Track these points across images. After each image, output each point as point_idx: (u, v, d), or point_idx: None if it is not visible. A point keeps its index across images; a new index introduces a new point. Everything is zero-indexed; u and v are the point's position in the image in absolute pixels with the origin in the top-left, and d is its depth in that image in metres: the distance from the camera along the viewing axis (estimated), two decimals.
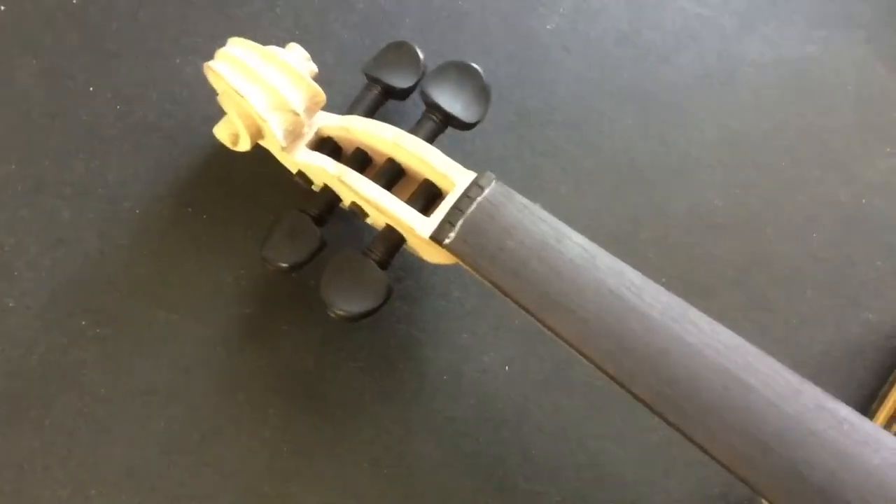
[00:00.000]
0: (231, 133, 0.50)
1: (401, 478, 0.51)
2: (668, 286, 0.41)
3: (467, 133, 0.52)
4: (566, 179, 0.58)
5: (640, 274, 0.42)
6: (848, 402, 0.38)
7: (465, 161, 0.47)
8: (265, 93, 0.47)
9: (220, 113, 0.51)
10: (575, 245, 0.42)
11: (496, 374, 0.54)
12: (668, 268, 0.55)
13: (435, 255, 0.47)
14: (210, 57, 0.49)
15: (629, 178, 0.58)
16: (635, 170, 0.58)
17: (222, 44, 0.49)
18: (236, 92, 0.47)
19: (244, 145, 0.51)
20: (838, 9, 0.62)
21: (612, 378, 0.40)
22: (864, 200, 0.57)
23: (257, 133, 0.50)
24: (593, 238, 0.43)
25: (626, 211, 0.57)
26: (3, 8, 0.59)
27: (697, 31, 0.61)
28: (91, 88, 0.58)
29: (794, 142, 0.59)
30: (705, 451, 0.38)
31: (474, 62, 0.51)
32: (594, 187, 0.57)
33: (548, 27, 0.61)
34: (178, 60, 0.59)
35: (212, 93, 0.51)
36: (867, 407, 0.53)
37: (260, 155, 0.53)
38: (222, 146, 0.52)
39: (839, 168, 0.58)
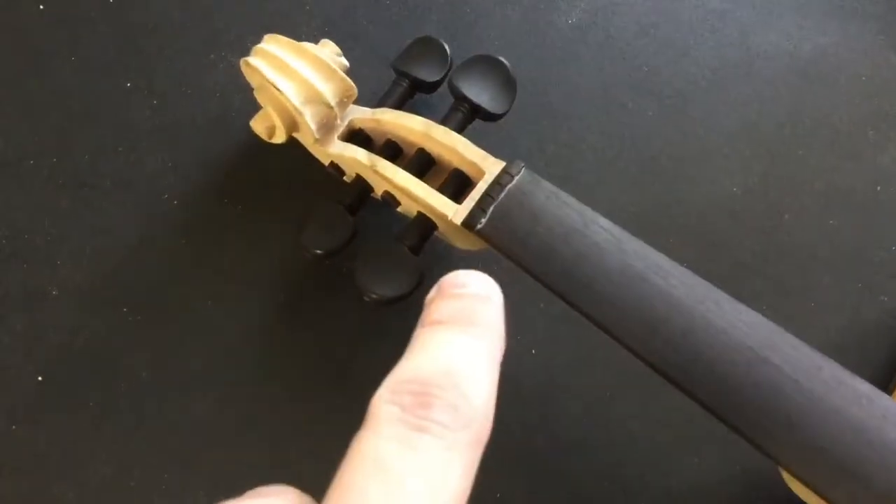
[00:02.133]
0: (267, 126, 0.52)
1: None
2: (689, 270, 0.43)
3: (492, 126, 0.54)
4: (588, 169, 0.59)
5: (664, 257, 0.43)
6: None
7: (490, 152, 0.48)
8: (300, 87, 0.49)
9: (252, 107, 0.52)
10: (601, 229, 0.44)
11: (523, 356, 0.55)
12: (687, 254, 0.56)
13: (465, 241, 0.49)
14: (243, 53, 0.50)
15: (649, 167, 0.59)
16: (655, 159, 0.59)
17: (254, 40, 0.51)
18: (273, 86, 0.48)
19: (280, 137, 0.52)
20: (852, 2, 0.63)
21: (638, 357, 0.41)
22: (878, 188, 0.58)
23: (292, 125, 0.52)
24: (615, 224, 0.44)
25: (646, 199, 0.58)
26: (41, 7, 0.61)
27: (715, 24, 0.62)
28: (128, 84, 0.59)
29: (810, 131, 0.60)
30: (729, 425, 0.39)
31: (498, 56, 0.53)
32: (615, 176, 0.59)
33: (569, 21, 0.62)
34: (211, 56, 0.60)
35: (244, 87, 0.52)
36: (885, 388, 0.54)
37: (292, 147, 0.55)
38: (255, 139, 0.53)
39: (854, 156, 0.59)
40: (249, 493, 0.24)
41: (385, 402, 0.24)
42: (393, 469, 0.22)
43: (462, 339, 0.26)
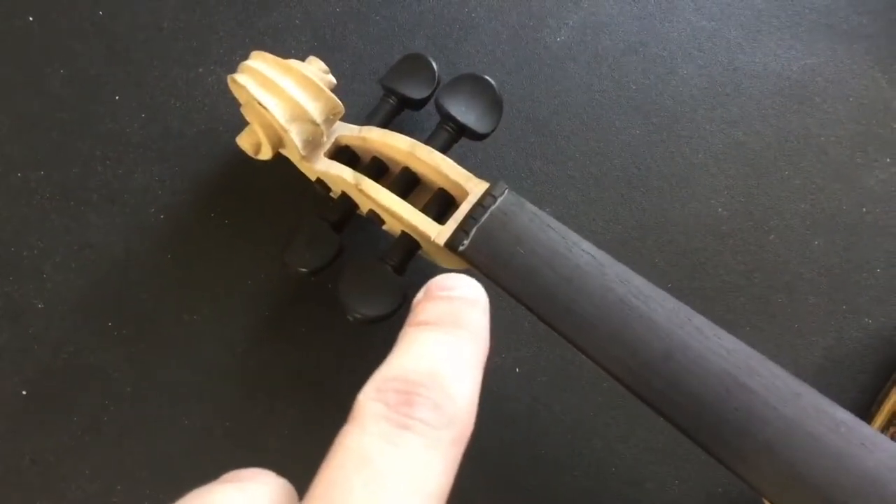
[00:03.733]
0: (253, 142, 0.52)
1: None
2: (673, 291, 0.42)
3: (479, 143, 0.54)
4: (574, 187, 0.59)
5: (646, 281, 0.43)
6: (848, 406, 0.39)
7: (477, 169, 0.48)
8: (286, 104, 0.49)
9: (241, 121, 0.52)
10: (584, 253, 0.44)
11: (507, 375, 0.55)
12: (673, 273, 0.57)
13: (449, 261, 0.49)
14: (231, 66, 0.51)
15: (636, 186, 0.59)
16: (642, 178, 0.59)
17: (244, 55, 0.51)
18: (259, 103, 0.48)
19: (265, 154, 0.53)
20: (841, 21, 0.63)
21: (618, 380, 0.41)
22: (864, 209, 0.59)
23: (278, 142, 0.52)
24: (601, 244, 0.44)
25: (632, 218, 0.58)
26: (31, 18, 0.61)
27: (703, 43, 0.62)
28: (117, 97, 0.59)
29: (797, 151, 0.60)
30: (708, 451, 0.39)
31: (486, 73, 0.53)
32: (602, 195, 0.59)
33: (557, 39, 0.62)
34: (200, 70, 0.60)
35: (233, 101, 0.52)
36: (867, 410, 0.54)
37: (280, 163, 0.55)
38: (244, 154, 0.53)
39: (840, 177, 0.59)
40: (226, 476, 0.25)
41: (370, 399, 0.24)
42: (376, 464, 0.22)
43: (448, 340, 0.27)
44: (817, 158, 0.60)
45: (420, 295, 0.30)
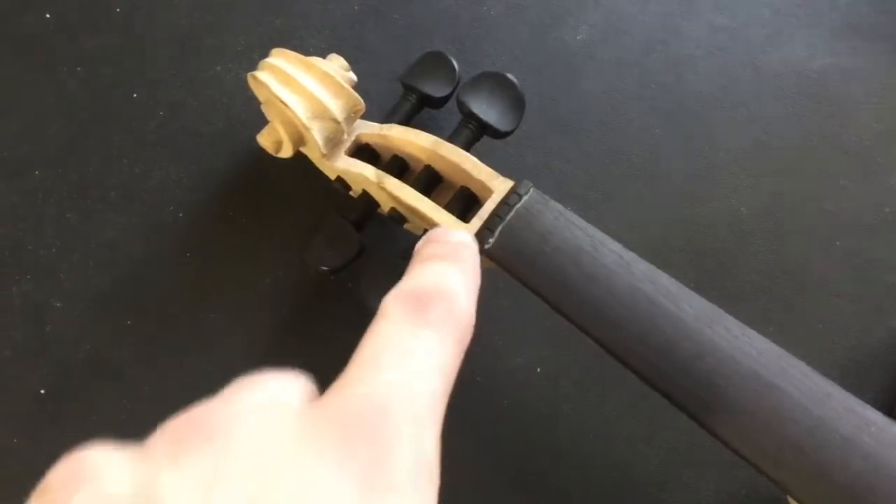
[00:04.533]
0: (274, 140, 0.51)
1: None
2: (695, 291, 0.42)
3: (498, 141, 0.53)
4: (595, 186, 0.59)
5: (674, 280, 0.43)
6: (871, 405, 0.39)
7: (497, 169, 0.48)
8: (307, 102, 0.48)
9: (259, 120, 0.52)
10: (610, 252, 0.43)
11: (528, 375, 0.55)
12: (694, 274, 0.56)
13: None
14: (249, 65, 0.50)
15: (657, 185, 0.59)
16: (663, 178, 0.59)
17: (261, 53, 0.51)
18: (280, 101, 0.48)
19: (286, 152, 0.52)
20: (862, 20, 0.63)
21: (646, 381, 0.41)
22: (887, 209, 0.58)
23: (299, 140, 0.51)
24: (622, 244, 0.44)
25: (654, 217, 0.58)
26: (48, 16, 0.60)
27: (724, 42, 0.62)
28: (135, 95, 0.59)
29: (819, 151, 0.60)
30: (736, 452, 0.39)
31: (505, 72, 0.52)
32: (623, 194, 0.58)
33: (577, 38, 0.62)
34: (218, 69, 0.60)
35: (251, 100, 0.52)
36: (891, 412, 0.53)
37: (299, 161, 0.54)
38: (261, 152, 0.53)
39: (863, 177, 0.59)
40: (266, 372, 0.28)
41: (396, 302, 0.30)
42: (404, 346, 0.28)
43: (451, 268, 0.33)
44: (838, 158, 0.59)
45: (421, 243, 0.37)
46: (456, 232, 0.38)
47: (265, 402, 0.26)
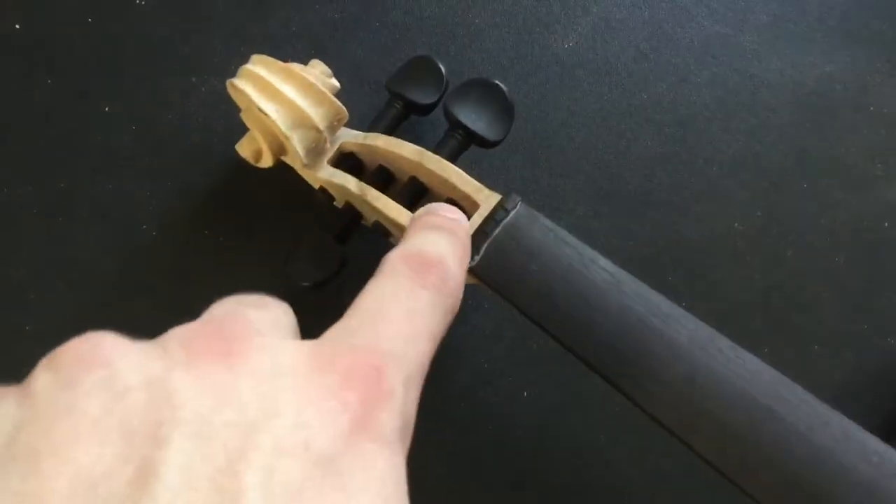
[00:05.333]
0: (254, 150, 0.50)
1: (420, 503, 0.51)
2: (688, 310, 0.41)
3: (483, 154, 0.52)
4: (583, 200, 0.57)
5: (666, 299, 0.41)
6: (870, 430, 0.38)
7: (482, 180, 0.46)
8: (288, 110, 0.47)
9: (236, 131, 0.51)
10: (601, 270, 0.42)
11: (514, 399, 0.53)
12: (687, 291, 0.55)
13: None
14: (225, 76, 0.49)
15: (648, 199, 0.57)
16: (654, 191, 0.57)
17: (238, 63, 0.49)
18: (259, 109, 0.46)
19: (266, 162, 0.50)
20: (860, 28, 0.61)
21: (637, 405, 0.39)
22: (886, 224, 0.57)
23: (280, 150, 0.50)
24: (612, 260, 0.42)
25: (644, 233, 0.57)
26: (18, 27, 0.59)
27: (717, 49, 0.61)
28: (107, 108, 0.57)
29: (815, 163, 0.58)
30: (731, 481, 0.37)
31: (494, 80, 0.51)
32: (613, 209, 0.57)
33: (565, 46, 0.61)
34: (193, 80, 0.58)
35: (227, 112, 0.51)
36: (890, 435, 0.52)
37: (278, 174, 0.53)
38: (239, 165, 0.51)
39: (861, 191, 0.58)
40: (241, 297, 0.31)
41: (399, 260, 0.33)
42: (404, 302, 0.30)
43: (448, 240, 0.36)
44: (836, 171, 0.58)
45: (420, 212, 0.39)
46: (453, 208, 0.40)
47: (272, 323, 0.29)
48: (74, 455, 0.21)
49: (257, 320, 0.28)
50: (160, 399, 0.23)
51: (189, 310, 0.53)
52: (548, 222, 0.44)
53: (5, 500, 0.20)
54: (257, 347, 0.26)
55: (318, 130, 0.48)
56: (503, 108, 0.50)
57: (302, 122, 0.47)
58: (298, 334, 0.31)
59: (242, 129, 0.50)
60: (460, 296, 0.34)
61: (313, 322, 0.53)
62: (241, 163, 0.51)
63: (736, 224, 0.57)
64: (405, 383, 0.27)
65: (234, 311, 0.28)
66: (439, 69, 0.52)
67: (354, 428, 0.24)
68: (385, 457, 0.25)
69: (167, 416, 0.22)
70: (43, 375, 0.24)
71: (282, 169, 0.53)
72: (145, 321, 0.53)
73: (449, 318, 0.33)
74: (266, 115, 0.46)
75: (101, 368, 0.24)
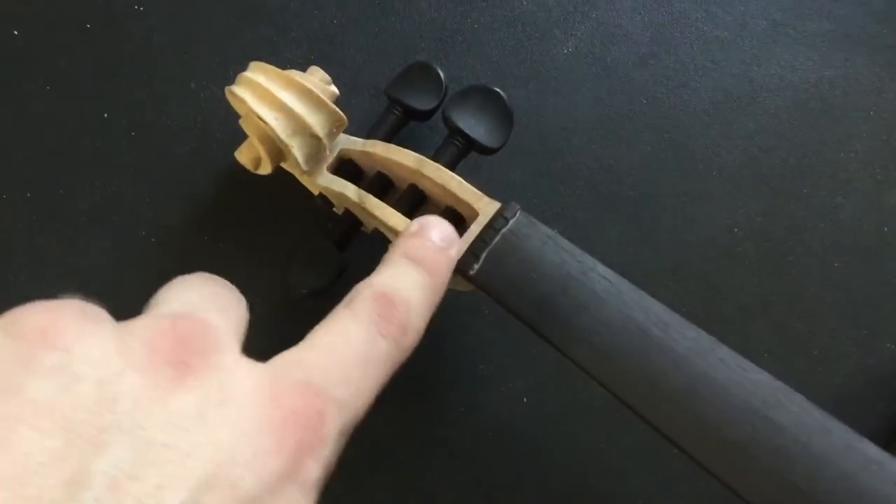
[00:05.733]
0: (253, 157, 0.50)
1: None
2: (688, 316, 0.40)
3: (483, 158, 0.52)
4: (583, 206, 0.57)
5: (666, 308, 0.41)
6: (870, 436, 0.37)
7: (481, 187, 0.46)
8: (287, 118, 0.47)
9: (234, 138, 0.50)
10: (600, 278, 0.42)
11: (514, 405, 0.53)
12: (687, 297, 0.55)
13: (457, 283, 0.47)
14: (225, 82, 0.48)
15: (648, 205, 0.57)
16: (654, 196, 0.57)
17: (237, 68, 0.49)
18: (258, 117, 0.46)
19: (265, 169, 0.50)
20: (859, 32, 0.61)
21: (637, 414, 0.39)
22: (885, 228, 0.57)
23: (279, 156, 0.50)
24: (611, 267, 0.42)
25: (644, 238, 0.56)
26: (15, 32, 0.58)
27: (717, 55, 0.60)
28: (105, 115, 0.57)
29: (815, 168, 0.58)
30: (732, 490, 0.37)
31: (494, 86, 0.51)
32: (612, 215, 0.57)
33: (564, 51, 0.60)
34: (192, 85, 0.58)
35: (225, 118, 0.51)
36: (891, 440, 0.52)
37: (276, 181, 0.53)
38: (238, 171, 0.51)
39: (861, 195, 0.57)
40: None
41: (366, 298, 0.33)
42: (363, 339, 0.31)
43: (426, 285, 0.36)
44: (836, 175, 0.58)
45: (414, 227, 0.39)
46: (444, 231, 0.40)
47: (233, 331, 0.29)
48: (15, 439, 0.21)
49: (220, 329, 0.28)
50: (108, 400, 0.23)
51: None
52: (547, 230, 0.43)
53: None
54: (213, 367, 0.25)
55: (317, 137, 0.47)
56: (503, 114, 0.50)
57: (301, 129, 0.47)
58: (245, 327, 0.31)
59: (241, 136, 0.50)
60: (416, 342, 0.34)
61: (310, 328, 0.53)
62: (240, 169, 0.51)
63: (736, 229, 0.56)
64: (339, 433, 0.27)
65: (198, 314, 0.28)
66: (438, 75, 0.52)
67: (284, 472, 0.24)
68: (302, 494, 0.25)
69: (110, 422, 0.22)
70: (1, 340, 0.23)
71: (281, 175, 0.52)
72: None
73: (395, 368, 0.33)
74: (265, 122, 0.46)
75: (58, 350, 0.23)
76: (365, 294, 0.33)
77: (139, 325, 0.26)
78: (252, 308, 0.53)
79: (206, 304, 0.29)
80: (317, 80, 0.50)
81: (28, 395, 0.22)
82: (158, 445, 0.22)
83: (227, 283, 0.33)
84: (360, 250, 0.51)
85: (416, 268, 0.36)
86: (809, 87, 0.60)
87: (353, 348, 0.30)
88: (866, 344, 0.55)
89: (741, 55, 0.61)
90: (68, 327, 0.24)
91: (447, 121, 0.50)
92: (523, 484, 0.52)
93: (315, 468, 0.25)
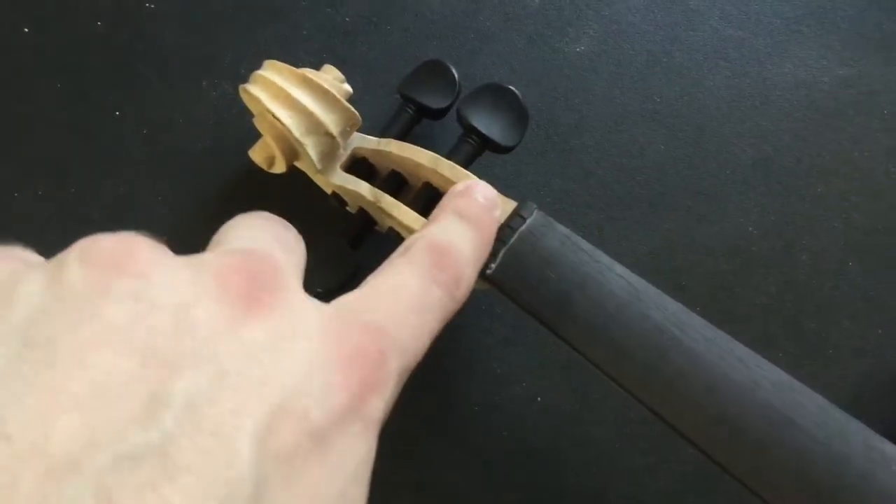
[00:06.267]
0: (267, 156, 0.50)
1: None
2: (701, 315, 0.40)
3: (495, 158, 0.52)
4: (596, 205, 0.57)
5: (684, 307, 0.41)
6: (886, 435, 0.37)
7: (494, 186, 0.46)
8: (301, 117, 0.46)
9: (247, 136, 0.50)
10: (618, 277, 0.41)
11: (527, 405, 0.53)
12: (701, 295, 0.55)
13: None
14: (237, 80, 0.48)
15: (661, 203, 0.57)
16: (667, 195, 0.57)
17: (249, 67, 0.49)
18: (272, 115, 0.46)
19: (279, 167, 0.50)
20: (873, 30, 0.61)
21: (655, 415, 0.39)
22: None
23: (293, 155, 0.49)
24: (625, 266, 0.42)
25: (658, 237, 0.56)
26: (27, 30, 0.58)
27: (730, 53, 0.60)
28: (117, 113, 0.57)
29: (829, 167, 0.58)
30: (750, 490, 0.37)
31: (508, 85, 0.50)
32: (625, 214, 0.57)
33: (577, 49, 0.60)
34: (204, 84, 0.58)
35: (238, 117, 0.50)
36: None
37: (290, 180, 0.52)
38: (251, 170, 0.51)
39: (875, 194, 0.57)
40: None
41: (422, 247, 0.34)
42: (418, 294, 0.32)
43: (476, 240, 0.37)
44: (850, 174, 0.58)
45: (459, 186, 0.41)
46: (488, 192, 0.41)
47: (296, 270, 0.30)
48: (94, 360, 0.21)
49: (286, 266, 0.28)
50: (185, 327, 0.23)
51: None
52: (564, 229, 0.43)
53: (14, 387, 0.20)
54: (283, 303, 0.26)
55: (331, 136, 0.47)
56: (517, 113, 0.50)
57: (316, 128, 0.47)
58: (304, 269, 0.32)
59: (254, 134, 0.50)
60: (467, 295, 0.35)
61: None
62: (253, 168, 0.51)
63: (750, 228, 0.56)
64: (399, 373, 0.28)
65: (266, 251, 0.28)
66: (451, 73, 0.52)
67: (350, 406, 0.25)
68: (367, 440, 0.26)
69: (188, 347, 0.22)
70: (75, 268, 0.23)
71: (294, 174, 0.52)
72: None
73: (448, 319, 0.33)
74: (280, 121, 0.46)
75: (134, 278, 0.23)
76: (420, 244, 0.34)
77: (210, 259, 0.26)
78: None
79: (273, 243, 0.29)
80: (331, 78, 0.50)
81: (105, 319, 0.22)
82: (233, 373, 0.23)
83: (288, 224, 0.33)
84: (374, 249, 0.51)
85: (466, 223, 0.38)
86: (823, 85, 0.60)
87: (411, 294, 0.31)
88: (881, 343, 0.55)
89: (755, 54, 0.60)
90: (144, 256, 0.24)
91: (462, 119, 0.50)
92: (536, 483, 0.52)
93: (378, 405, 0.26)
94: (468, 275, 0.35)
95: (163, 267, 0.24)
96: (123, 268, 0.24)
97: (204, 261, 0.26)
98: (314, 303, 0.28)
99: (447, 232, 0.37)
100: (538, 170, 0.57)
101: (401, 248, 0.35)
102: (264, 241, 0.29)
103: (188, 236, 0.53)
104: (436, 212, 0.39)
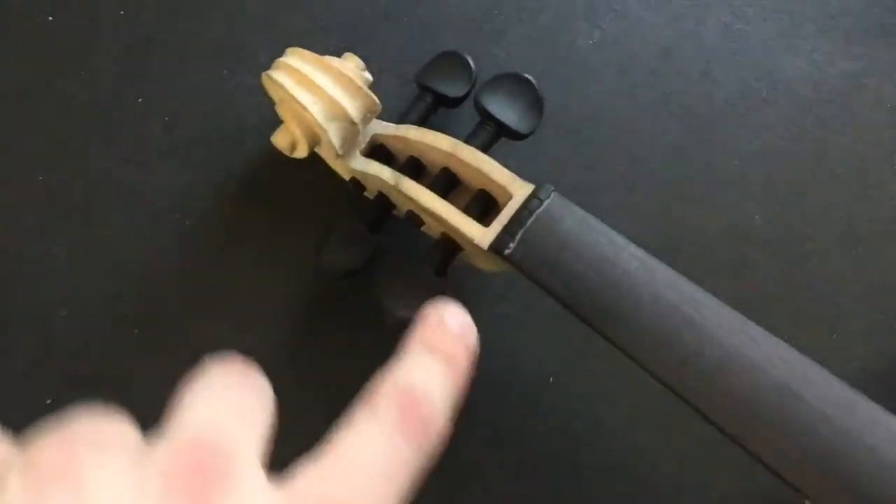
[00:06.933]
0: (289, 141, 0.51)
1: (448, 488, 0.51)
2: None
3: (509, 148, 0.53)
4: (608, 194, 0.58)
5: (696, 287, 0.42)
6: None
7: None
8: (324, 103, 0.48)
9: (266, 124, 0.51)
10: (632, 257, 0.43)
11: (540, 385, 0.54)
12: (708, 283, 0.55)
13: (489, 263, 0.48)
14: (255, 69, 0.49)
15: (670, 192, 0.58)
16: (676, 184, 0.58)
17: (268, 56, 0.50)
18: (296, 101, 0.47)
19: (302, 152, 0.51)
20: (878, 25, 0.62)
21: (670, 389, 0.40)
22: None
23: (314, 141, 0.51)
24: None
25: (667, 225, 0.57)
26: (51, 18, 0.59)
27: (738, 46, 0.61)
28: (139, 100, 0.58)
29: (834, 158, 0.59)
30: (761, 462, 0.38)
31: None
32: (636, 202, 0.58)
33: (589, 42, 0.61)
34: (224, 72, 0.59)
35: (257, 105, 0.51)
36: None
37: (308, 165, 0.54)
38: (269, 157, 0.52)
39: (879, 185, 0.58)
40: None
41: (388, 399, 0.30)
42: (384, 445, 0.29)
43: (452, 384, 0.33)
44: (855, 165, 0.59)
45: (431, 317, 0.36)
46: (462, 319, 0.36)
47: (256, 445, 0.28)
48: None
49: (240, 449, 0.27)
50: None
51: (222, 297, 0.54)
52: (580, 211, 0.45)
53: None
54: (232, 497, 0.25)
55: (353, 122, 0.48)
56: (533, 101, 0.51)
57: (338, 114, 0.48)
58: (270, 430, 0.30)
59: (274, 120, 0.51)
60: (435, 452, 0.32)
61: (349, 314, 0.54)
62: (274, 154, 0.52)
63: (757, 216, 0.57)
64: None
65: (219, 439, 0.26)
66: (468, 62, 0.53)
67: None
68: None
69: None
70: (15, 480, 0.23)
71: (313, 161, 0.53)
72: (178, 308, 0.54)
73: (418, 475, 0.31)
74: (304, 107, 0.47)
75: (70, 490, 0.23)
76: (385, 392, 0.31)
77: (158, 456, 0.25)
78: (286, 289, 0.55)
79: (230, 419, 0.27)
80: (353, 66, 0.51)
81: None
82: None
83: (252, 373, 0.31)
84: (392, 234, 0.52)
85: (437, 359, 0.34)
86: (829, 78, 0.61)
87: (376, 459, 0.28)
88: (885, 329, 0.56)
89: (762, 47, 0.62)
90: (83, 461, 0.24)
91: (479, 106, 0.51)
92: (549, 464, 0.53)
93: None
94: (440, 423, 0.32)
95: (103, 472, 0.24)
96: (61, 475, 0.23)
97: (151, 457, 0.25)
98: (267, 490, 0.26)
99: (415, 373, 0.33)
100: (551, 160, 0.58)
101: (365, 396, 0.31)
102: (220, 421, 0.27)
103: (207, 222, 0.55)
104: (405, 344, 0.34)
